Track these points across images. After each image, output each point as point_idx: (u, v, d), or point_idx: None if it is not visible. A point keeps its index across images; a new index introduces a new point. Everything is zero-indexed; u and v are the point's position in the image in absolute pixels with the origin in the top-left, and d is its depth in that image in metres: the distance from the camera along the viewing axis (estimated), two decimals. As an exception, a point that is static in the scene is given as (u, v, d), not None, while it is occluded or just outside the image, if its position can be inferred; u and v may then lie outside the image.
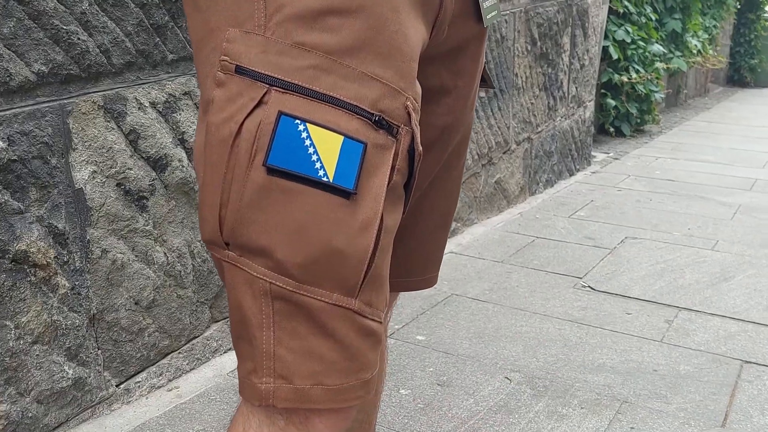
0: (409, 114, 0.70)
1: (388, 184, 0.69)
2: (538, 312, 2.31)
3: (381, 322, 0.73)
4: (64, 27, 1.41)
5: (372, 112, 0.68)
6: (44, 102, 1.41)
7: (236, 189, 0.67)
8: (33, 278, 1.44)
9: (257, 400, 0.70)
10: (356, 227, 0.67)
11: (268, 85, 0.66)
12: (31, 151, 1.39)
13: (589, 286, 2.53)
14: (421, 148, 0.73)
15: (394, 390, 1.82)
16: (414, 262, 1.02)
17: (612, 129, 5.31)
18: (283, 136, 0.66)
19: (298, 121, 0.66)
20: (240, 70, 0.67)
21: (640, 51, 5.21)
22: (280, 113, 0.66)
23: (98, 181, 1.53)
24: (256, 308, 0.70)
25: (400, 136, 0.70)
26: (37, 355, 1.47)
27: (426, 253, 1.03)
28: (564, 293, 2.47)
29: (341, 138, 0.66)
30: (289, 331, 0.69)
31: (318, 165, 0.66)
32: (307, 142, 0.66)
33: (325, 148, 0.66)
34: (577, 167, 4.21)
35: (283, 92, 0.66)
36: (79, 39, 1.44)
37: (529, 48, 3.37)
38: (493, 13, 0.90)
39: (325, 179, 0.66)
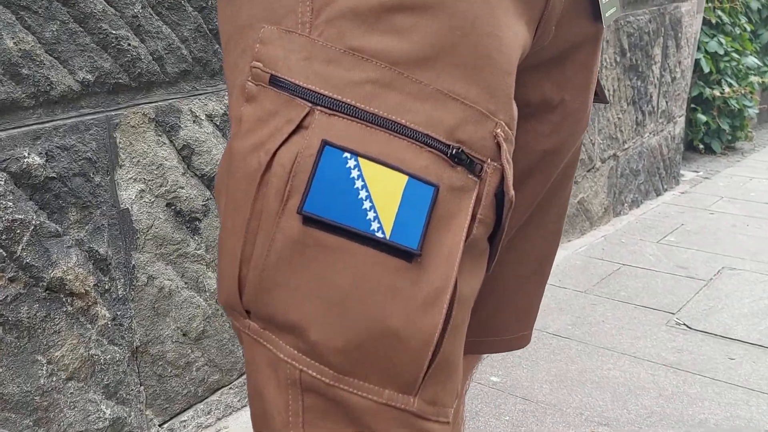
0: (498, 145, 0.53)
1: (466, 239, 0.52)
2: (628, 353, 2.08)
3: (448, 422, 0.55)
4: (113, 31, 1.27)
5: (448, 143, 0.51)
6: (89, 114, 1.28)
7: (262, 242, 0.51)
8: (69, 308, 1.30)
9: None
10: (419, 300, 0.50)
11: (310, 104, 0.50)
12: (72, 168, 1.26)
13: (684, 324, 2.28)
14: (512, 192, 0.54)
15: (465, 442, 1.62)
16: (502, 318, 0.83)
17: (701, 146, 4.99)
18: (326, 173, 0.49)
19: (347, 154, 0.49)
20: (275, 82, 0.52)
21: (734, 64, 4.88)
22: (324, 143, 0.49)
23: (146, 200, 1.39)
24: (281, 401, 0.53)
25: (485, 175, 0.52)
26: (71, 393, 1.33)
27: (518, 307, 0.84)
28: (656, 331, 2.23)
29: (404, 179, 0.50)
30: None
31: (371, 215, 0.49)
32: (358, 184, 0.49)
33: (382, 192, 0.49)
34: (665, 187, 3.92)
35: (330, 114, 0.50)
36: (129, 45, 1.30)
37: (617, 59, 3.13)
38: (613, 10, 0.70)
39: (379, 235, 0.49)
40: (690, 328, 2.26)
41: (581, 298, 2.47)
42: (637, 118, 3.44)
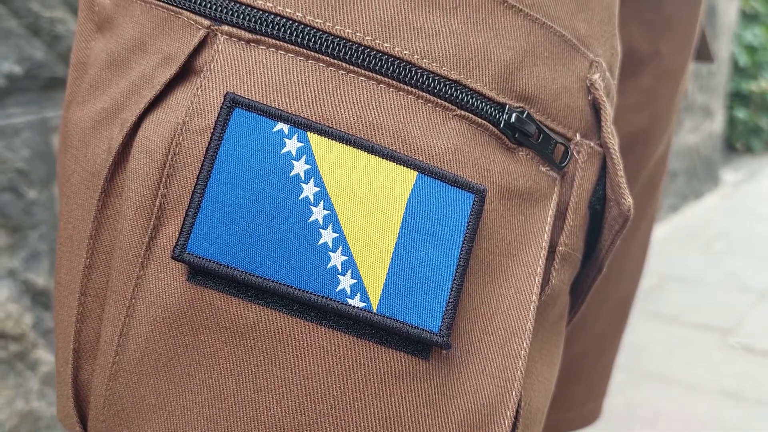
0: (596, 107, 0.29)
1: (540, 295, 0.28)
2: (680, 381, 1.84)
3: None
4: (46, 13, 1.07)
5: (501, 100, 0.26)
6: (18, 114, 1.07)
7: (113, 315, 0.26)
8: (2, 353, 1.08)
9: None
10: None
11: (209, 21, 0.26)
12: (-2, 182, 1.04)
13: (741, 345, 2.02)
14: (629, 198, 0.29)
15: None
16: (571, 387, 0.58)
17: (740, 145, 4.77)
18: (236, 170, 0.25)
19: (282, 126, 0.25)
20: None
21: (772, 56, 4.67)
22: (232, 102, 0.25)
23: (98, 219, 1.17)
24: None
25: (572, 164, 0.28)
26: (9, 456, 1.11)
27: (590, 371, 0.59)
28: (710, 354, 1.99)
29: (411, 177, 0.25)
30: None
31: (337, 260, 0.25)
32: (308, 190, 0.25)
33: (361, 209, 0.25)
34: (704, 190, 3.67)
35: (248, 40, 0.26)
36: (67, 30, 1.10)
37: (651, 50, 2.90)
38: None
39: (356, 303, 0.24)
40: (749, 350, 2.01)
41: (622, 317, 2.22)
42: (673, 115, 3.20)
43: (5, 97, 1.05)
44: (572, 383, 0.58)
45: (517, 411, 0.27)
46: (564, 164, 0.28)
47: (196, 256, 0.24)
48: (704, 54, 0.56)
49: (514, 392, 0.25)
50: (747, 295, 2.38)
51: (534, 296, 0.26)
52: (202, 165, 0.25)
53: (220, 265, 0.24)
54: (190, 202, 0.24)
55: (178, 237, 0.24)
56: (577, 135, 0.28)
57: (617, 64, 0.31)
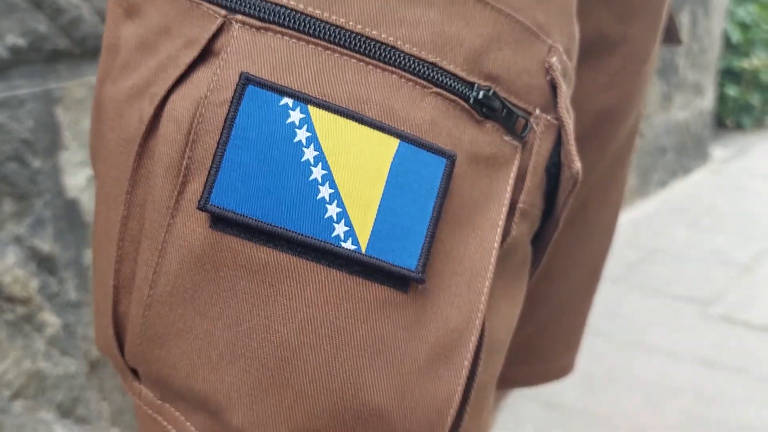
0: (553, 85, 0.33)
1: (501, 245, 0.32)
2: (660, 349, 1.90)
3: None
4: (49, -13, 1.09)
5: (470, 79, 0.31)
6: (22, 86, 1.10)
7: (146, 257, 0.31)
8: (10, 316, 1.13)
9: None
10: (422, 357, 0.30)
11: (225, 11, 0.31)
12: (4, 151, 1.08)
13: (721, 315, 2.08)
14: (578, 162, 0.34)
15: (479, 457, 1.44)
16: (541, 343, 0.63)
17: (731, 121, 4.79)
18: (249, 136, 0.29)
19: (287, 100, 0.29)
20: None
21: (764, 35, 4.65)
22: (246, 80, 0.29)
23: (100, 188, 1.21)
24: None
25: (531, 135, 0.33)
26: (18, 413, 1.16)
27: (564, 327, 0.64)
28: (691, 324, 2.04)
29: (393, 144, 0.29)
30: None
31: (333, 211, 0.29)
32: (309, 154, 0.29)
33: (353, 168, 0.29)
34: (693, 165, 3.71)
35: (259, 27, 0.30)
36: (69, 3, 1.12)
37: (642, 26, 2.91)
38: None
39: (348, 246, 0.29)
40: (728, 320, 2.08)
41: (609, 288, 2.27)
42: (663, 90, 3.22)
43: (9, 69, 1.08)
44: (549, 338, 0.64)
45: (480, 338, 0.32)
46: (524, 134, 0.32)
47: (217, 207, 0.29)
48: (673, 37, 0.60)
49: (477, 321, 0.30)
50: (730, 269, 2.43)
51: (496, 244, 0.31)
52: (221, 132, 0.29)
53: (237, 214, 0.29)
54: (212, 163, 0.29)
55: (202, 191, 0.29)
56: (537, 110, 0.33)
57: (575, 48, 0.35)
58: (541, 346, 0.62)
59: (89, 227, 1.21)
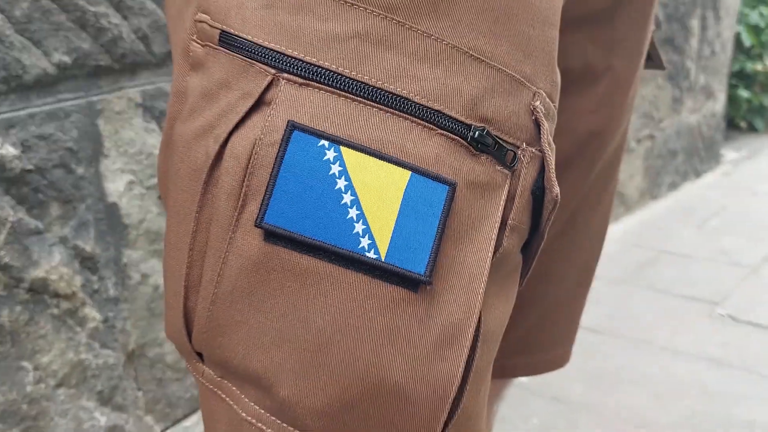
0: (537, 124, 0.40)
1: (494, 255, 0.39)
2: (667, 348, 1.94)
3: None
4: (91, 8, 1.17)
5: (468, 122, 0.38)
6: (68, 99, 1.18)
7: (212, 264, 0.39)
8: (55, 310, 1.21)
9: None
10: (429, 344, 0.37)
11: (274, 70, 0.37)
12: (51, 159, 1.16)
13: (728, 315, 2.13)
14: (557, 188, 0.41)
15: (490, 447, 1.50)
16: (540, 336, 0.70)
17: (744, 124, 4.78)
18: (294, 170, 0.37)
19: (324, 142, 0.37)
20: (227, 40, 0.39)
21: (777, 36, 4.64)
22: (292, 126, 0.36)
23: (136, 193, 1.29)
24: None
25: (519, 165, 0.40)
26: (61, 400, 1.24)
27: (559, 322, 0.71)
28: (698, 324, 2.08)
29: (406, 175, 0.37)
30: None
31: (359, 228, 0.37)
32: (341, 184, 0.37)
33: (375, 194, 0.37)
34: (705, 168, 3.74)
35: (300, 84, 0.37)
36: (110, 22, 1.20)
37: (653, 31, 2.95)
38: None
39: (371, 255, 0.37)
40: (735, 319, 2.11)
41: (616, 289, 2.32)
42: (674, 94, 3.26)
43: (56, 84, 1.16)
44: (547, 332, 0.71)
45: (477, 330, 0.39)
46: (513, 165, 0.39)
47: (269, 225, 0.36)
48: (656, 62, 0.67)
49: (474, 316, 0.37)
50: (737, 270, 2.45)
51: (490, 254, 0.38)
52: (273, 167, 0.36)
53: (286, 231, 0.36)
54: (265, 191, 0.36)
55: (258, 213, 0.36)
56: (523, 144, 0.39)
57: (557, 92, 0.43)
58: (539, 340, 0.70)
59: (127, 229, 1.29)
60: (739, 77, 4.59)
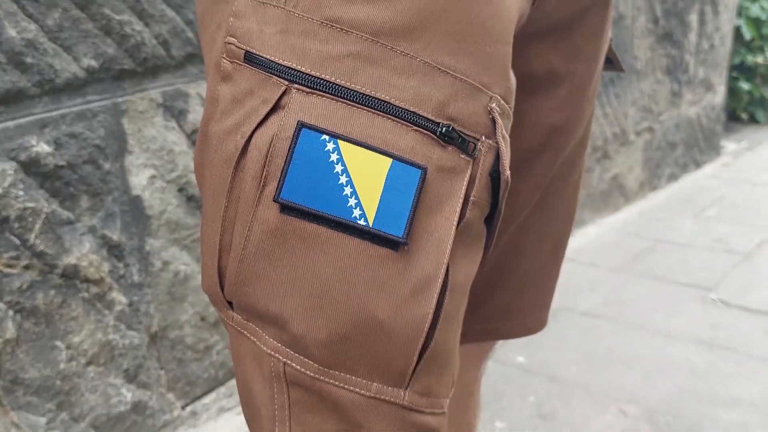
0: (493, 121, 0.50)
1: (458, 224, 0.49)
2: (660, 331, 2.03)
3: (443, 413, 0.52)
4: (116, 16, 1.27)
5: (437, 120, 0.48)
6: (95, 101, 1.28)
7: (239, 231, 0.49)
8: (85, 294, 1.31)
9: None
10: (407, 290, 0.47)
11: (287, 82, 0.47)
12: (81, 155, 1.26)
13: (720, 300, 2.21)
14: (508, 171, 0.50)
15: (488, 422, 1.60)
16: (519, 302, 0.80)
17: (745, 115, 4.83)
18: (303, 158, 0.47)
19: (325, 136, 0.47)
20: (251, 58, 0.49)
21: (778, 29, 4.69)
22: (301, 125, 0.47)
23: (158, 186, 1.39)
24: (266, 395, 0.51)
25: (478, 154, 0.49)
26: (91, 377, 1.35)
27: (534, 292, 0.81)
28: (690, 308, 2.17)
29: (388, 161, 0.47)
30: (311, 429, 0.50)
31: (352, 202, 0.47)
32: (338, 168, 0.47)
33: (364, 176, 0.47)
34: (705, 159, 3.81)
35: (307, 92, 0.47)
36: (133, 29, 1.30)
37: (650, 27, 3.04)
38: None
39: (361, 223, 0.46)
40: (726, 303, 2.19)
41: (613, 277, 2.41)
42: (672, 88, 3.34)
43: (85, 86, 1.27)
44: (523, 300, 0.81)
45: (445, 281, 0.49)
46: (474, 153, 0.49)
47: (284, 200, 0.46)
48: (617, 65, 0.77)
49: (442, 270, 0.47)
50: (731, 257, 2.52)
51: (455, 222, 0.48)
52: (286, 156, 0.46)
53: (296, 204, 0.46)
54: (281, 174, 0.46)
55: (275, 191, 0.46)
56: (482, 137, 0.49)
57: (512, 95, 0.52)
58: (517, 307, 0.80)
59: (150, 220, 1.39)
60: (740, 70, 4.64)
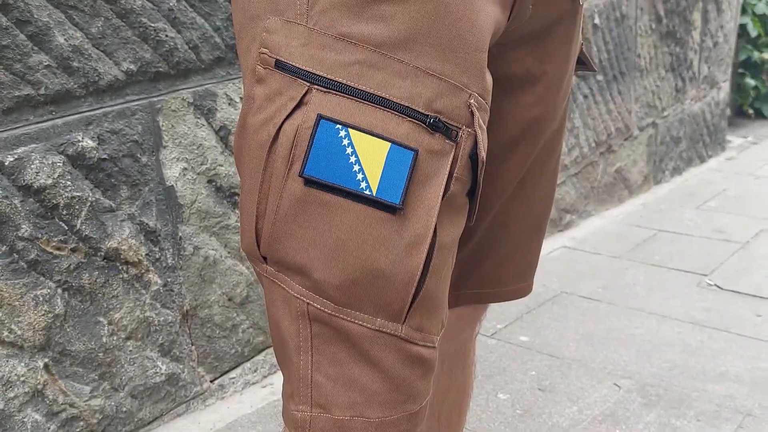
0: (472, 113, 0.62)
1: (444, 194, 0.61)
2: (656, 313, 2.14)
3: (434, 347, 0.66)
4: (152, 24, 1.42)
5: (426, 113, 0.60)
6: (134, 100, 1.42)
7: (273, 200, 0.62)
8: (125, 275, 1.46)
9: (294, 428, 0.65)
10: (403, 246, 0.60)
11: (309, 83, 0.60)
12: (121, 150, 1.41)
13: (715, 285, 2.32)
14: (484, 153, 0.64)
15: (492, 394, 1.73)
16: (505, 270, 0.93)
17: (751, 111, 4.90)
18: (321, 143, 0.59)
19: (338, 126, 0.59)
20: (280, 65, 0.61)
21: (784, 25, 4.76)
22: (320, 117, 0.59)
23: (189, 178, 1.54)
24: (293, 330, 0.64)
25: (460, 139, 0.62)
26: (130, 350, 1.49)
27: (519, 262, 0.94)
28: (686, 292, 2.28)
29: (388, 145, 0.59)
30: (328, 356, 0.63)
31: (360, 176, 0.59)
32: (349, 150, 0.60)
33: (369, 156, 0.59)
34: (710, 153, 3.90)
35: (324, 91, 0.60)
36: (167, 36, 1.44)
37: (653, 26, 3.14)
38: None
39: (367, 193, 0.59)
40: (720, 288, 2.30)
41: (614, 263, 2.53)
42: (676, 84, 3.44)
43: (125, 87, 1.41)
44: (508, 268, 0.93)
45: (434, 240, 0.62)
46: (457, 139, 0.61)
47: (307, 175, 0.59)
48: (589, 66, 0.90)
49: (431, 230, 0.60)
50: (729, 245, 2.62)
51: (441, 193, 0.61)
52: (309, 141, 0.59)
53: (317, 178, 0.59)
54: (304, 156, 0.59)
55: (300, 168, 0.59)
56: (463, 126, 0.61)
57: (488, 93, 0.65)
58: (504, 274, 0.93)
59: (182, 208, 1.54)
60: (747, 66, 4.72)
